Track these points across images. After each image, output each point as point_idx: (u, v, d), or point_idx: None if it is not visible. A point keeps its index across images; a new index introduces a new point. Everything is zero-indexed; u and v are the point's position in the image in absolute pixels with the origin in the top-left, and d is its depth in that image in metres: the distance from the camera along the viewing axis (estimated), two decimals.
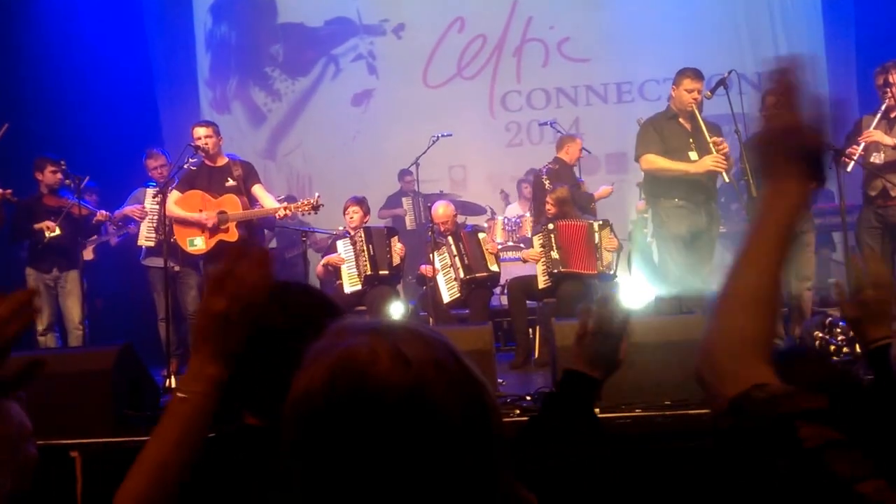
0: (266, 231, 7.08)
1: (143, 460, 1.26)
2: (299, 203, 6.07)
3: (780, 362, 1.33)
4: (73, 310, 6.43)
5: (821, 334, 4.91)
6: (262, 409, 1.45)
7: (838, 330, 5.00)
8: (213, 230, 5.95)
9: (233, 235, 5.97)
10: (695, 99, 5.49)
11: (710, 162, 5.37)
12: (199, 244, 6.00)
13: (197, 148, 6.02)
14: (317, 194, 6.11)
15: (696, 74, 5.55)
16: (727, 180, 5.46)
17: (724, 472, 1.09)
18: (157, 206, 6.30)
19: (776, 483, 0.99)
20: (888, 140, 5.41)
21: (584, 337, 1.72)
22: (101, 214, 6.59)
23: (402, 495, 0.87)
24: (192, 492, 1.34)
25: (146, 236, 6.53)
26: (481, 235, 6.66)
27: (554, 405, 1.77)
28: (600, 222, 6.32)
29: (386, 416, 0.87)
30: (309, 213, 6.14)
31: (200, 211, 5.97)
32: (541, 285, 6.20)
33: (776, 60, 1.18)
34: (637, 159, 5.72)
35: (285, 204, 6.08)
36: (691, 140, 5.55)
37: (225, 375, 1.27)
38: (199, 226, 5.96)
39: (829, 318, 5.06)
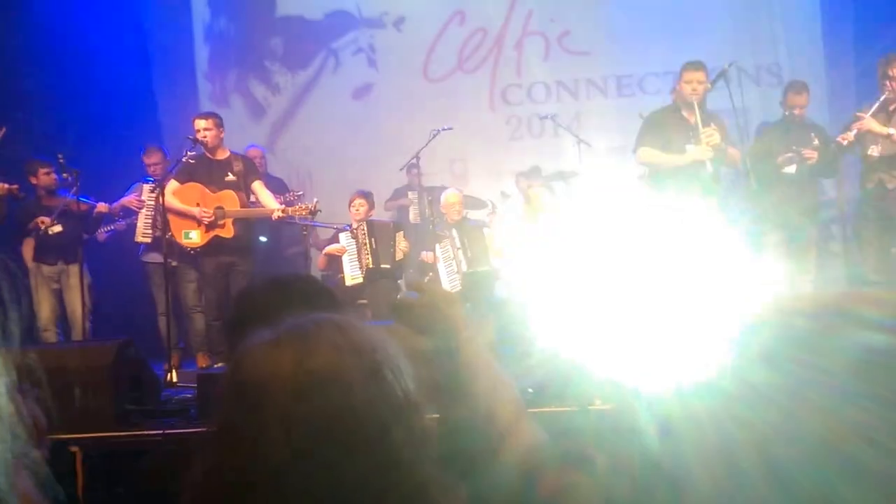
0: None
1: None
2: (297, 207, 6.06)
3: None
4: (76, 304, 6.45)
5: None
6: None
7: None
8: (210, 225, 5.94)
9: (229, 231, 5.96)
10: (694, 90, 5.49)
11: (695, 152, 5.40)
12: (194, 237, 5.99)
13: (196, 140, 6.03)
14: (315, 200, 6.10)
15: (695, 66, 5.56)
16: (710, 170, 5.46)
17: None
18: (154, 201, 6.30)
19: None
20: (881, 129, 5.40)
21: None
22: (102, 206, 6.61)
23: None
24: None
25: (143, 232, 6.53)
26: (487, 231, 6.66)
27: None
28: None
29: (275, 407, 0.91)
30: (307, 218, 6.12)
31: (198, 205, 5.96)
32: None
33: None
34: (634, 152, 5.74)
35: (283, 207, 6.06)
36: (690, 133, 5.56)
37: None
38: (196, 219, 5.95)
39: None
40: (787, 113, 5.99)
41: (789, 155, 5.75)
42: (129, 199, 6.69)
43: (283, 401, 0.92)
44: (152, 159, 6.82)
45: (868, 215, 5.64)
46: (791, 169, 5.74)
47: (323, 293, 1.62)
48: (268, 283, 1.64)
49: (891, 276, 5.61)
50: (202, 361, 6.29)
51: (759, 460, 1.07)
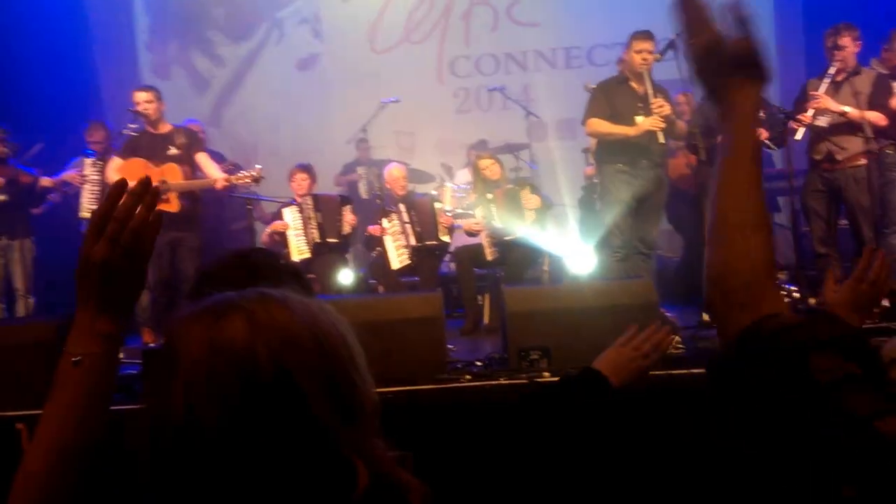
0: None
1: (41, 441, 1.08)
2: (240, 175, 5.99)
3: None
4: (19, 279, 6.38)
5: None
6: None
7: (783, 292, 5.06)
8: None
9: (174, 206, 5.87)
10: (644, 60, 5.47)
11: (647, 123, 5.39)
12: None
13: (137, 113, 5.94)
14: (258, 166, 6.04)
15: (645, 35, 5.52)
16: (661, 141, 5.46)
17: (720, 406, 1.05)
18: (97, 175, 6.17)
19: (785, 418, 0.95)
20: (838, 107, 5.42)
21: (620, 346, 1.86)
22: (45, 180, 6.47)
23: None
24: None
25: (87, 207, 6.38)
26: (437, 205, 6.60)
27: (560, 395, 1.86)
28: (512, 186, 6.34)
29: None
30: (250, 186, 6.07)
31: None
32: (489, 257, 6.14)
33: None
34: (583, 124, 5.71)
35: (225, 176, 5.98)
36: (640, 104, 5.54)
37: (119, 330, 1.11)
38: None
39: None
40: None
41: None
42: (70, 175, 6.52)
43: (187, 367, 0.94)
44: (95, 137, 6.66)
45: (817, 186, 5.66)
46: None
47: (286, 268, 1.61)
48: (228, 259, 1.61)
49: (837, 248, 5.70)
50: (147, 337, 6.17)
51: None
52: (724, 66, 1.15)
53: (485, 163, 6.41)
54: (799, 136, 5.54)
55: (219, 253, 1.67)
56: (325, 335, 0.99)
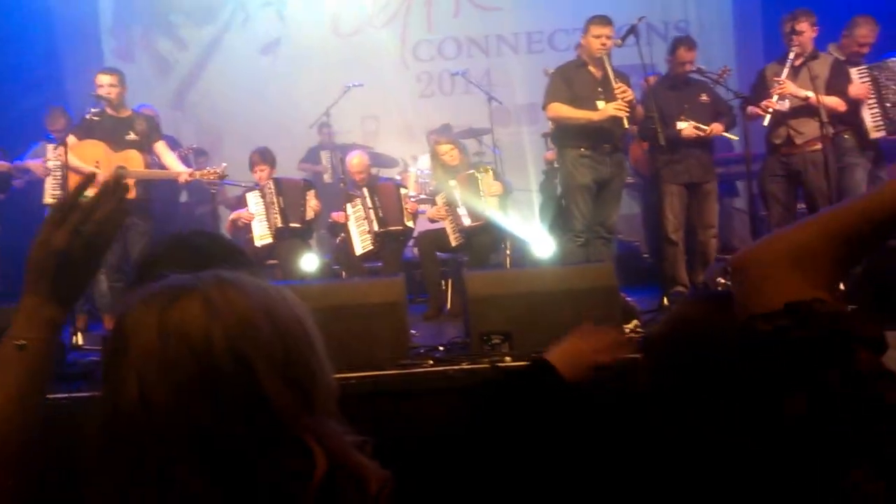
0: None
1: None
2: (205, 171, 5.98)
3: (717, 302, 1.32)
4: None
5: (723, 280, 5.06)
6: None
7: None
8: None
9: (131, 193, 5.79)
10: (603, 45, 5.49)
11: (611, 108, 5.41)
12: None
13: (99, 97, 5.89)
14: (224, 164, 6.05)
15: (604, 20, 5.54)
16: (627, 126, 5.51)
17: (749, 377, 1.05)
18: (59, 161, 6.10)
19: (823, 393, 0.97)
20: (802, 93, 5.49)
21: (575, 337, 1.78)
22: (3, 165, 6.38)
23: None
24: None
25: (52, 193, 6.28)
26: (403, 191, 6.60)
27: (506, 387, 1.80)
28: (473, 170, 6.33)
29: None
30: (215, 183, 6.09)
31: (97, 164, 5.78)
32: (453, 243, 6.16)
33: None
34: (544, 108, 5.72)
35: (190, 170, 5.99)
36: (600, 88, 5.58)
37: (64, 318, 1.12)
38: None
39: None
40: (675, 70, 5.92)
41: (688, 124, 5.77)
42: (34, 164, 6.44)
43: (139, 350, 0.94)
44: (56, 125, 6.57)
45: (776, 171, 5.72)
46: (685, 125, 5.80)
47: (231, 251, 1.56)
48: (170, 242, 1.58)
49: None
50: (109, 323, 6.13)
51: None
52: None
53: (443, 148, 6.41)
54: (766, 121, 5.59)
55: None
56: (281, 319, 0.99)
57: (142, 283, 1.46)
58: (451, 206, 6.18)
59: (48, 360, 1.11)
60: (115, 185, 1.15)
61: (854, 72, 5.73)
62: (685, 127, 5.71)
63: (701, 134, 5.72)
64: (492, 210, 6.07)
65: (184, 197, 8.12)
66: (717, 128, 5.75)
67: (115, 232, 1.16)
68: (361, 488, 0.99)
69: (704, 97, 5.88)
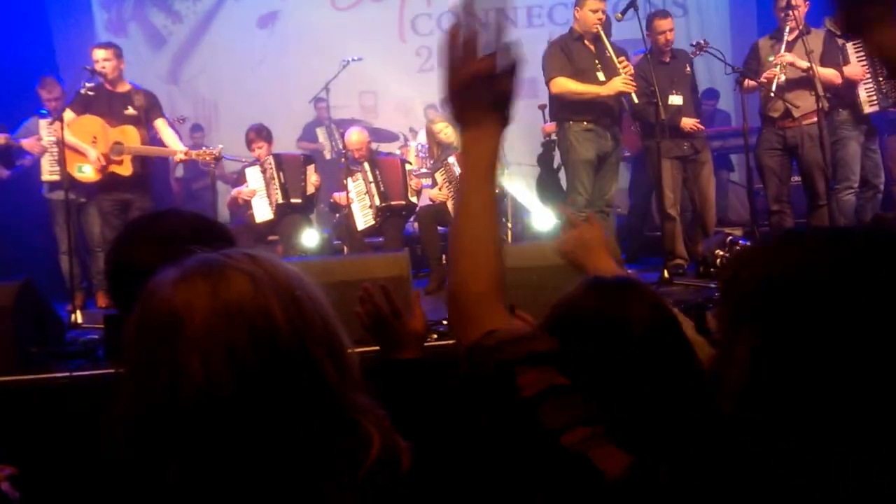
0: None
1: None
2: (201, 151, 5.98)
3: (611, 289, 1.35)
4: None
5: (721, 252, 5.10)
6: None
7: (738, 248, 5.18)
8: (106, 160, 5.77)
9: (126, 169, 5.83)
10: (599, 19, 5.50)
11: (619, 83, 5.43)
12: (87, 172, 5.84)
13: (94, 71, 5.84)
14: (220, 146, 6.02)
15: None
16: (636, 101, 5.52)
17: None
18: (54, 136, 6.05)
19: (494, 431, 1.00)
20: (801, 63, 5.50)
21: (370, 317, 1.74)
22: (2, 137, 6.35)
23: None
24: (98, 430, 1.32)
25: (50, 171, 6.26)
26: (409, 167, 6.59)
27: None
28: None
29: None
30: (210, 163, 6.08)
31: (94, 140, 5.77)
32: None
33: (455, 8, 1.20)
34: (547, 83, 5.71)
35: (186, 149, 5.97)
36: (597, 62, 5.59)
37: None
38: (93, 148, 5.79)
39: (730, 237, 5.25)
40: (657, 42, 5.89)
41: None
42: (29, 143, 6.38)
43: (199, 332, 0.91)
44: (52, 94, 6.47)
45: (773, 144, 5.75)
46: (678, 99, 5.83)
47: (201, 230, 1.52)
48: (137, 225, 1.58)
49: (790, 205, 5.84)
50: (102, 301, 6.13)
51: None
52: (481, 103, 1.19)
53: (438, 126, 6.40)
54: (773, 89, 5.56)
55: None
56: (313, 294, 1.00)
57: (115, 266, 1.47)
58: (451, 182, 6.19)
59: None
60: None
61: (850, 46, 5.74)
62: (690, 123, 5.76)
63: (701, 128, 5.80)
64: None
65: (181, 172, 8.11)
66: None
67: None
68: (397, 464, 1.00)
69: (688, 69, 5.93)
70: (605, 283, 1.41)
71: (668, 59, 5.91)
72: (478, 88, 1.18)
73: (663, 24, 5.86)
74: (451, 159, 6.21)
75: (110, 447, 0.94)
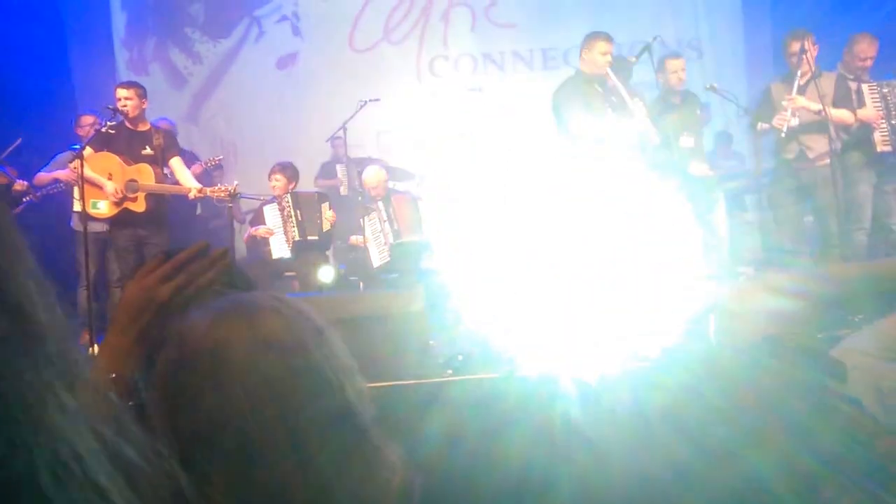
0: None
1: None
2: (216, 188, 5.94)
3: None
4: None
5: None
6: None
7: None
8: (121, 196, 5.84)
9: (140, 206, 5.85)
10: (608, 61, 5.59)
11: (638, 123, 5.49)
12: (101, 208, 5.86)
13: (116, 110, 5.89)
14: (235, 182, 6.01)
15: (608, 38, 5.65)
16: (657, 141, 5.58)
17: None
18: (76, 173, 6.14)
19: None
20: (813, 106, 5.57)
21: None
22: (20, 185, 6.40)
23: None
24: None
25: (79, 200, 6.29)
26: (420, 203, 6.68)
27: None
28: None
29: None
30: (226, 200, 6.03)
31: (110, 176, 5.84)
32: None
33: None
34: (564, 124, 5.76)
35: (200, 187, 5.95)
36: (607, 103, 5.66)
37: (139, 363, 1.21)
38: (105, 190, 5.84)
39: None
40: (667, 82, 5.99)
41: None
42: (65, 174, 6.45)
43: (240, 364, 0.94)
44: (87, 120, 6.61)
45: (786, 184, 5.82)
46: (689, 142, 5.89)
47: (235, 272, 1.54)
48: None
49: (805, 244, 5.86)
50: None
51: (670, 421, 1.16)
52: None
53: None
54: (783, 133, 5.64)
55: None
56: (335, 335, 1.04)
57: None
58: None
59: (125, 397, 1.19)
60: (221, 255, 1.26)
61: (866, 89, 5.81)
62: (702, 170, 5.86)
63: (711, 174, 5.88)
64: None
65: (200, 210, 8.18)
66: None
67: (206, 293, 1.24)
68: (408, 491, 1.03)
69: (698, 112, 6.01)
70: None
71: (678, 101, 5.98)
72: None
73: (675, 63, 5.95)
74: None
75: None
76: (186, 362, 0.97)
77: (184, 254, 1.22)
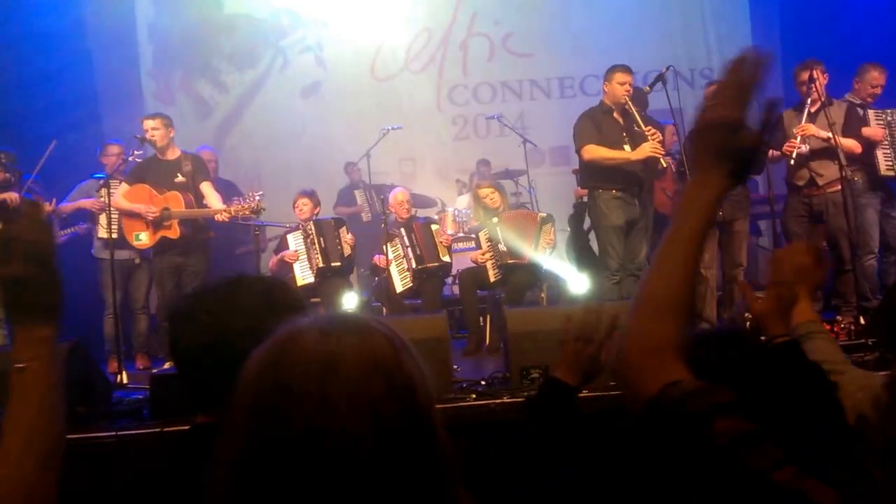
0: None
1: (12, 444, 1.18)
2: (239, 206, 5.95)
3: (700, 344, 1.43)
4: None
5: (749, 315, 5.18)
6: (214, 406, 1.42)
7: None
8: (157, 226, 5.96)
9: (175, 232, 5.97)
10: (627, 91, 5.71)
11: (648, 148, 5.58)
12: (143, 239, 6.01)
13: (144, 140, 6.01)
14: (257, 197, 5.96)
15: (627, 69, 5.79)
16: (664, 165, 5.68)
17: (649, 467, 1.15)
18: (107, 198, 6.25)
19: (687, 483, 1.02)
20: (822, 133, 5.68)
21: (567, 343, 1.88)
22: (46, 206, 6.50)
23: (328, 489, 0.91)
24: (145, 490, 1.38)
25: (104, 227, 6.38)
26: (434, 227, 6.78)
27: (534, 412, 1.92)
28: (544, 215, 6.49)
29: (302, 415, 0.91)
30: (251, 217, 6.06)
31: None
32: (492, 279, 6.32)
33: (740, 51, 1.15)
34: (578, 151, 5.87)
35: (225, 207, 5.98)
36: (625, 134, 5.78)
37: (53, 333, 1.23)
38: (144, 220, 5.96)
39: None
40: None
41: None
42: (91, 203, 6.57)
43: (350, 378, 0.94)
44: (113, 150, 6.74)
45: (799, 211, 5.94)
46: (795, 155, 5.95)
47: (279, 300, 1.55)
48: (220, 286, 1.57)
49: None
50: (141, 362, 6.28)
51: None
52: (726, 149, 1.14)
53: (485, 191, 6.60)
54: (792, 160, 5.77)
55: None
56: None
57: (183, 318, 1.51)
58: (492, 242, 6.36)
59: (52, 377, 1.21)
60: (31, 208, 1.27)
61: (871, 115, 5.94)
62: None
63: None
64: (533, 252, 6.26)
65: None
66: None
67: (49, 244, 1.25)
68: None
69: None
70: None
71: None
72: (723, 133, 1.14)
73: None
74: (496, 220, 6.40)
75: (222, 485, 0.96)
76: (289, 366, 0.95)
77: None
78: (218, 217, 5.97)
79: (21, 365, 1.19)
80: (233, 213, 5.93)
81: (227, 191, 6.96)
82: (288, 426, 0.91)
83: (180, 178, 6.07)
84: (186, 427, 1.50)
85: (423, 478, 0.94)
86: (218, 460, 0.96)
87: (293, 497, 0.91)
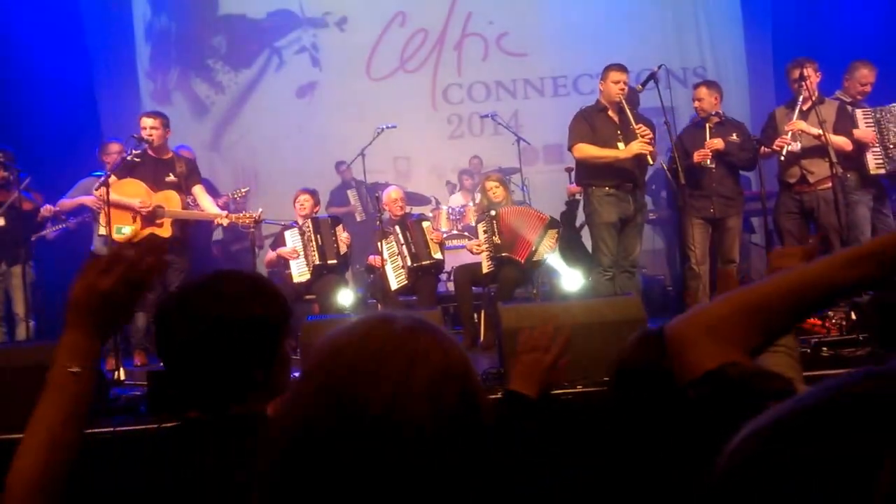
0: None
1: (32, 441, 1.23)
2: (241, 215, 6.06)
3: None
4: (20, 304, 6.40)
5: None
6: (206, 403, 1.48)
7: None
8: (147, 221, 5.96)
9: (166, 231, 5.99)
10: (621, 90, 5.78)
11: (636, 146, 5.64)
12: (126, 232, 5.95)
13: (141, 139, 6.03)
14: (260, 210, 6.13)
15: (621, 68, 5.85)
16: (651, 163, 5.75)
17: (686, 436, 1.12)
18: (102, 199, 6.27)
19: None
20: (813, 130, 5.74)
21: (523, 354, 1.88)
22: (46, 209, 6.53)
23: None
24: (136, 485, 1.42)
25: (104, 224, 6.40)
26: (425, 224, 6.82)
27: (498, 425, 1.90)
28: (552, 219, 6.54)
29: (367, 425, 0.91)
30: (250, 226, 6.16)
31: (141, 202, 6.00)
32: (484, 270, 6.39)
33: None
34: (570, 149, 5.94)
35: (226, 213, 6.07)
36: (619, 132, 5.84)
37: (100, 352, 1.28)
38: (133, 213, 5.95)
39: None
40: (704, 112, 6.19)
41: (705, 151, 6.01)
42: (92, 200, 6.60)
43: (432, 377, 0.95)
44: (115, 147, 6.76)
45: (790, 208, 5.99)
46: (711, 163, 6.04)
47: (268, 298, 1.58)
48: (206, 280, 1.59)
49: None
50: (140, 359, 6.32)
51: None
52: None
53: (490, 184, 6.72)
54: (783, 156, 5.82)
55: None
56: None
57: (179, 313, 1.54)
58: (489, 234, 6.44)
59: (91, 389, 1.26)
60: (158, 242, 1.35)
61: (860, 114, 5.98)
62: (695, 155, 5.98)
63: (708, 156, 5.96)
64: (532, 251, 6.32)
65: (220, 235, 8.37)
66: (715, 143, 5.97)
67: (154, 281, 1.33)
68: None
69: (734, 136, 6.08)
70: None
71: (708, 126, 6.14)
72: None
73: (698, 92, 6.16)
74: (494, 212, 6.46)
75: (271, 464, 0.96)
76: (382, 350, 0.95)
77: (119, 246, 1.32)
78: (217, 222, 6.08)
79: (76, 369, 1.24)
80: (233, 220, 6.03)
81: (210, 189, 6.98)
82: (364, 408, 0.92)
83: (172, 178, 6.10)
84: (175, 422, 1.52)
85: (466, 485, 0.94)
86: (273, 437, 0.96)
87: (348, 477, 0.91)
